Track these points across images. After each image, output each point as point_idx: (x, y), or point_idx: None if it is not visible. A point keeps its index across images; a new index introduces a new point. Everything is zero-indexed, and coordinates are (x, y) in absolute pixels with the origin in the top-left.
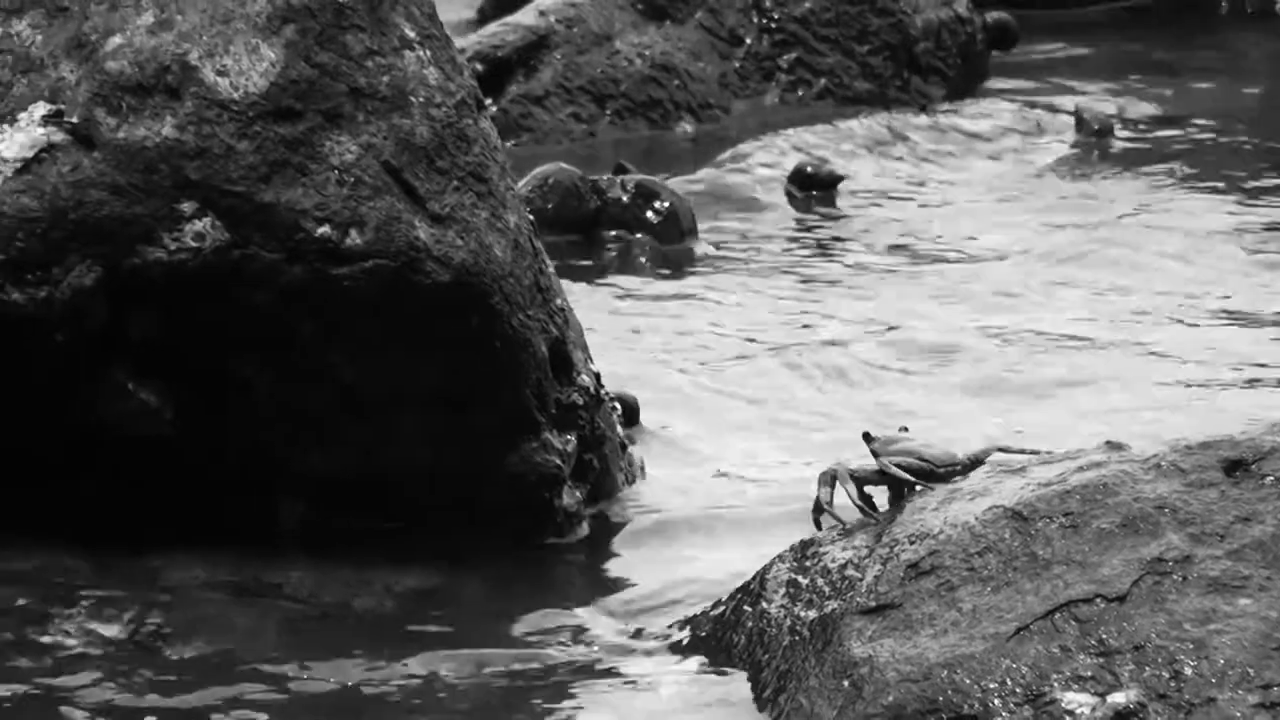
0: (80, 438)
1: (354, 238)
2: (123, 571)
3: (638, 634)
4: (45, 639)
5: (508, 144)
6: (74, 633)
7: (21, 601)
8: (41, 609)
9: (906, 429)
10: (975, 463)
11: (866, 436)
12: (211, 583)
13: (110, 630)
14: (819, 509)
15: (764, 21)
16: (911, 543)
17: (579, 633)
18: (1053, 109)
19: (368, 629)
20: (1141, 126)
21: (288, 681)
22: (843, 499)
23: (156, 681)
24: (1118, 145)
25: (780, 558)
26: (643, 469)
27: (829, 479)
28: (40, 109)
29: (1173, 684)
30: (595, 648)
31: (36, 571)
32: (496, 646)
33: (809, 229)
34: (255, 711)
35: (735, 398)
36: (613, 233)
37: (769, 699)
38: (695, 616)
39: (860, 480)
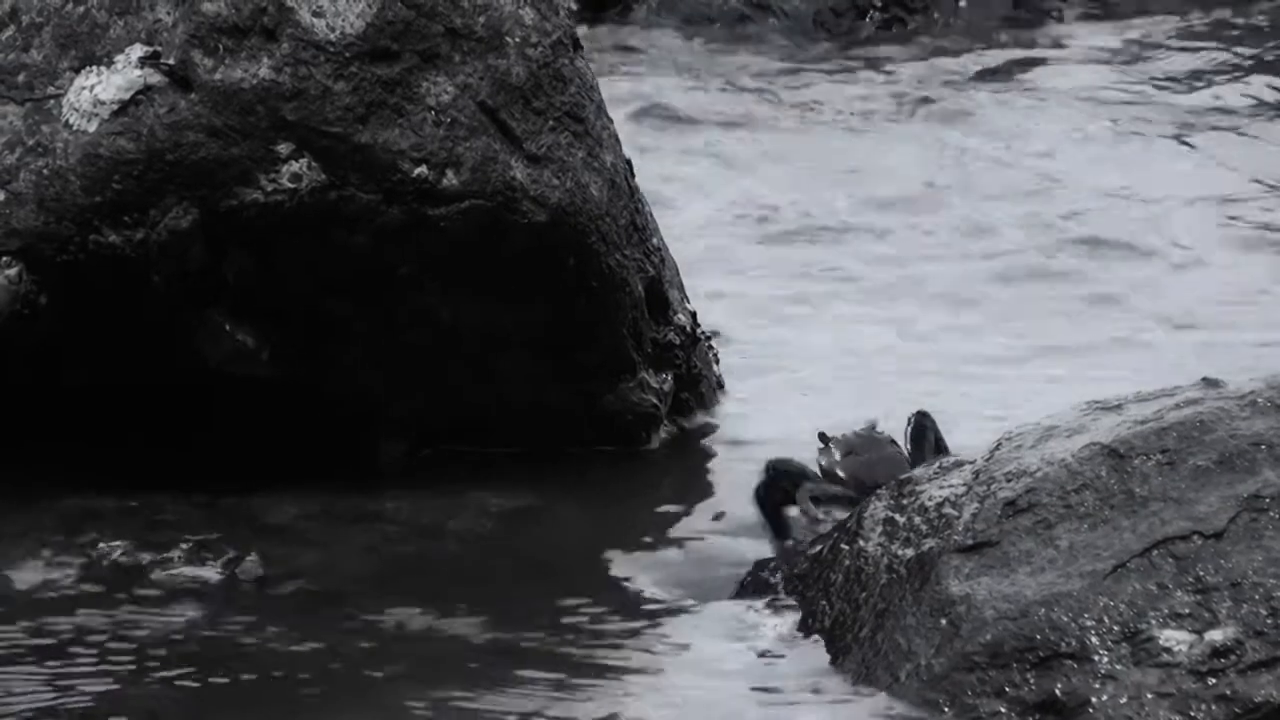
0: (181, 381)
1: (450, 178)
2: (221, 513)
3: (736, 565)
4: (143, 582)
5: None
6: (171, 575)
7: (120, 545)
8: (139, 553)
9: (875, 424)
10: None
11: (822, 437)
12: (309, 518)
13: (208, 571)
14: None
15: None
16: (1009, 480)
17: (669, 573)
18: None
19: (466, 555)
20: None
21: (386, 613)
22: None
23: (255, 620)
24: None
25: (877, 495)
26: (722, 385)
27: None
28: (137, 51)
29: (1270, 621)
30: (688, 585)
31: (135, 516)
32: (587, 581)
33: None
34: (354, 645)
35: (819, 311)
36: None
37: (866, 637)
38: None
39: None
